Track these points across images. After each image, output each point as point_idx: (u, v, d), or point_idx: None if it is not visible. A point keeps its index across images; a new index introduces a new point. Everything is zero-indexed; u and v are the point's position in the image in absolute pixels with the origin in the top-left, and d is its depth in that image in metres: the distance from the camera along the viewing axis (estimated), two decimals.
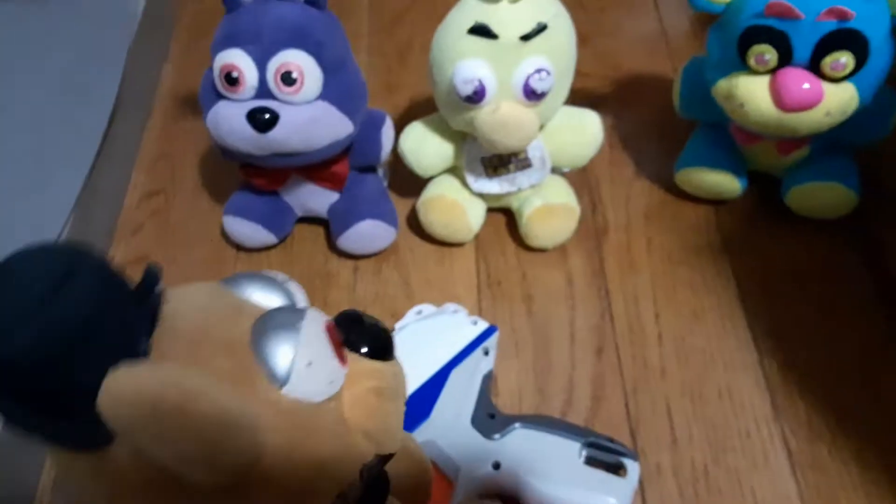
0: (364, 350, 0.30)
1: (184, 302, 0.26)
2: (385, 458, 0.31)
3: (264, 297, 0.28)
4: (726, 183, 0.63)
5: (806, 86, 0.52)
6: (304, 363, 0.25)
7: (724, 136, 0.63)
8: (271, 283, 0.29)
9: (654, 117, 0.74)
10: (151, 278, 0.25)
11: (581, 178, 0.68)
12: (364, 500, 0.30)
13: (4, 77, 0.74)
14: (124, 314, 0.24)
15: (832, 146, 0.60)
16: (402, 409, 0.31)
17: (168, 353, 0.24)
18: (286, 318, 0.27)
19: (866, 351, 0.56)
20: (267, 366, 0.25)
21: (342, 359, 0.28)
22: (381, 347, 0.30)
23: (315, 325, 0.27)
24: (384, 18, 0.87)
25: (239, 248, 0.67)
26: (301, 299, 0.30)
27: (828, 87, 0.52)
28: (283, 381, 0.25)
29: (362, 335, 0.30)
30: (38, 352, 0.22)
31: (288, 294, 0.29)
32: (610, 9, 0.85)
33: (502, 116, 0.54)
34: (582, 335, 0.59)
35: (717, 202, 0.66)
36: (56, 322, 0.22)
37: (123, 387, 0.22)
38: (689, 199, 0.67)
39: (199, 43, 0.86)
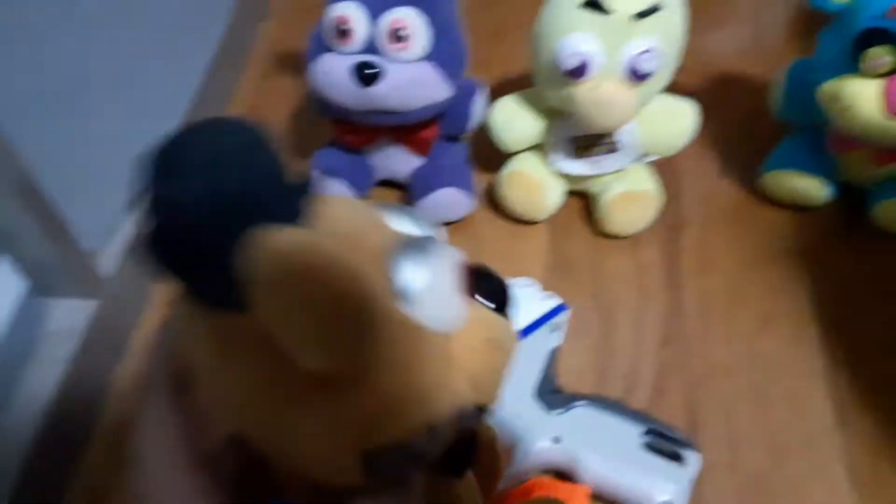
0: (486, 301, 0.30)
1: (332, 204, 0.27)
2: (480, 411, 0.31)
3: (409, 228, 0.29)
4: (814, 189, 0.62)
5: None
6: (432, 289, 0.26)
7: (817, 142, 0.62)
8: (419, 219, 0.30)
9: (743, 119, 0.73)
10: (313, 179, 0.26)
11: (664, 170, 0.67)
12: (454, 450, 0.30)
13: (106, 17, 0.76)
14: (292, 197, 0.25)
15: None
16: (508, 366, 0.31)
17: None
18: (426, 244, 0.27)
19: None
20: (397, 278, 0.26)
21: (466, 297, 0.28)
22: (503, 302, 0.31)
23: (451, 259, 0.27)
24: None
25: None
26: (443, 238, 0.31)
27: None
28: (409, 300, 0.26)
29: (487, 286, 0.30)
30: (220, 205, 0.22)
31: (432, 232, 0.30)
32: (709, 6, 0.84)
33: (602, 94, 0.54)
34: (648, 325, 0.59)
35: (799, 209, 0.65)
36: (245, 180, 0.23)
37: (276, 240, 0.22)
38: (769, 203, 0.66)
39: (299, 3, 0.87)
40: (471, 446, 0.34)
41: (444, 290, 0.27)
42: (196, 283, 0.24)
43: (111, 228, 0.59)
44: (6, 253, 0.50)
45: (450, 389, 0.28)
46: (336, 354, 0.23)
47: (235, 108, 0.78)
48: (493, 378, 0.30)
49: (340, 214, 0.27)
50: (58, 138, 0.56)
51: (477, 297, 0.30)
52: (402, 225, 0.29)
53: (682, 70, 0.59)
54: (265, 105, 0.78)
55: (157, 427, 0.28)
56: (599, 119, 0.56)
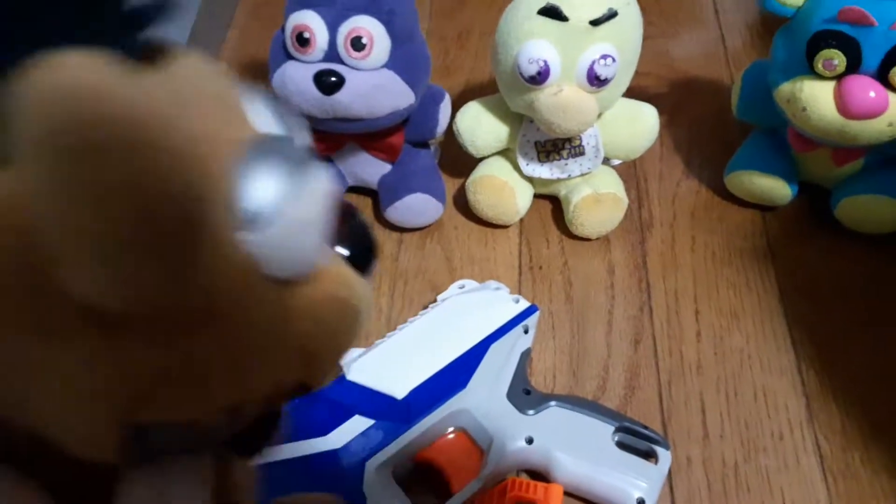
0: (345, 250, 0.23)
1: (188, 59, 0.19)
2: (300, 390, 0.24)
3: (271, 122, 0.21)
4: (777, 188, 0.63)
5: (872, 94, 0.52)
6: (288, 215, 0.19)
7: (779, 143, 0.63)
8: (285, 116, 0.22)
9: (707, 120, 0.74)
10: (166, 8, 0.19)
11: (629, 173, 0.68)
12: (251, 428, 0.24)
13: None
14: (125, 26, 0.18)
15: (887, 160, 0.60)
16: (354, 335, 0.24)
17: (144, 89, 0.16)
18: (296, 152, 0.20)
19: None
20: (240, 191, 0.18)
21: (328, 239, 0.21)
22: (366, 256, 0.24)
23: (322, 178, 0.20)
24: (446, 3, 0.88)
25: None
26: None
27: (893, 98, 0.52)
28: (246, 225, 0.18)
29: (349, 232, 0.24)
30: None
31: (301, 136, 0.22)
32: (670, 11, 0.85)
33: (564, 99, 0.55)
34: (620, 324, 0.60)
35: (764, 208, 0.66)
36: None
37: (71, 75, 0.14)
38: (736, 202, 0.67)
39: (262, 10, 0.87)
40: (272, 425, 0.26)
41: (305, 222, 0.19)
42: None
43: None
44: None
45: (272, 359, 0.21)
46: (129, 284, 0.15)
47: None
48: (332, 346, 0.23)
49: (190, 70, 0.19)
50: None
51: (335, 244, 0.23)
52: (264, 119, 0.21)
53: (645, 74, 0.61)
54: None
55: None
56: (563, 123, 0.57)
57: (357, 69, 0.54)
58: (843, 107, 0.52)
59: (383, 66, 0.55)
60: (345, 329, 0.23)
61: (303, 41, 0.54)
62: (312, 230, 0.20)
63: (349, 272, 0.23)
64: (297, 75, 0.55)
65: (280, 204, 0.18)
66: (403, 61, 0.55)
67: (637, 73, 0.59)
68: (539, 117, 0.57)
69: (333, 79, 0.54)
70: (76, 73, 0.14)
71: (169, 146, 0.15)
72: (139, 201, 0.14)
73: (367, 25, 0.53)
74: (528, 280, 0.63)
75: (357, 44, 0.53)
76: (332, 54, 0.54)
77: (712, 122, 0.73)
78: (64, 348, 0.17)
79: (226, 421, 0.21)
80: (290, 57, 0.55)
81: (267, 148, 0.19)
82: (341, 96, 0.54)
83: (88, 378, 0.17)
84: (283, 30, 0.56)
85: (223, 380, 0.19)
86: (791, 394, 0.55)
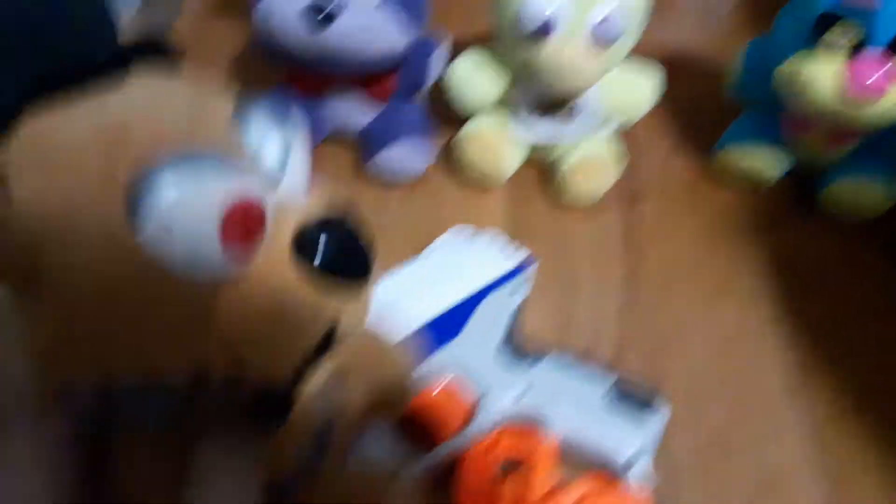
0: (311, 257, 0.24)
1: (155, 84, 0.23)
2: (261, 385, 0.25)
3: (258, 136, 0.24)
4: (766, 168, 0.63)
5: (875, 75, 0.52)
6: (169, 220, 0.21)
7: (771, 122, 0.63)
8: (280, 129, 0.25)
9: (696, 100, 0.73)
10: (158, 43, 0.23)
11: (620, 142, 0.67)
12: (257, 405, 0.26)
13: None
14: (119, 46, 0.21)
15: (879, 145, 0.60)
16: (306, 345, 0.25)
17: (71, 115, 0.20)
18: (197, 165, 0.22)
19: (883, 346, 0.56)
20: (133, 199, 0.21)
21: (235, 243, 0.22)
22: (339, 264, 0.25)
23: (217, 190, 0.22)
24: None
25: None
26: (296, 167, 0.25)
27: None
28: (139, 227, 0.21)
29: (322, 240, 0.25)
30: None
31: (285, 151, 0.25)
32: None
33: (566, 57, 0.53)
34: (608, 291, 0.58)
35: (751, 189, 0.66)
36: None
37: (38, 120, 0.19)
38: (723, 181, 0.66)
39: None
40: (278, 402, 0.28)
41: (189, 226, 0.21)
42: None
43: None
44: None
45: (188, 347, 0.23)
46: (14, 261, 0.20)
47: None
48: (265, 353, 0.24)
49: (146, 95, 0.22)
50: None
51: (298, 250, 0.24)
52: (254, 132, 0.24)
53: (634, 52, 0.60)
54: (205, 46, 0.73)
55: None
56: (562, 82, 0.55)
57: (350, 5, 0.51)
58: (848, 86, 0.52)
59: (378, 5, 0.52)
60: (274, 331, 0.24)
61: None
62: (203, 235, 0.22)
63: (291, 275, 0.24)
64: (284, 8, 0.51)
65: (165, 212, 0.21)
66: (400, 1, 0.53)
67: None
68: (538, 75, 0.55)
69: (325, 13, 0.50)
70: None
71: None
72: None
73: None
74: (515, 241, 0.61)
75: None
76: None
77: (701, 102, 0.73)
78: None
79: (135, 393, 0.23)
80: None
81: (184, 157, 0.21)
82: (331, 33, 0.51)
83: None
84: None
85: (112, 349, 0.22)
86: (782, 363, 0.54)
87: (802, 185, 0.65)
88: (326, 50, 0.52)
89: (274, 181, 0.24)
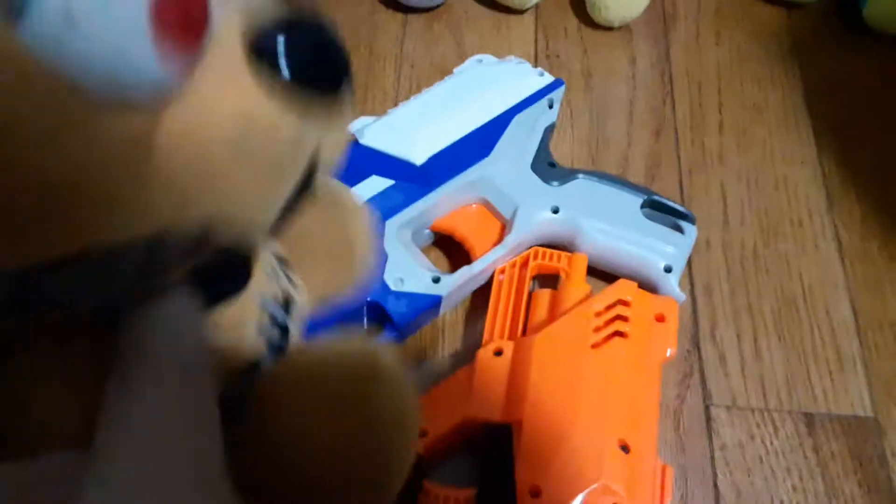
0: (280, 64, 0.18)
1: None
2: (231, 249, 0.19)
3: None
4: None
5: None
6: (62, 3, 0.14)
7: None
8: None
9: None
10: None
11: None
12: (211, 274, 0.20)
13: None
14: None
15: None
16: (283, 186, 0.19)
17: None
18: None
19: None
20: None
21: (171, 40, 0.15)
22: (316, 71, 0.18)
23: None
24: None
25: None
26: None
27: None
28: (15, 13, 0.14)
29: (293, 42, 0.18)
30: None
31: None
32: None
33: None
34: (640, 115, 0.57)
35: (790, 5, 0.63)
36: None
37: None
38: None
39: None
40: (232, 276, 0.23)
41: (95, 13, 0.14)
42: None
43: None
44: None
45: (122, 197, 0.16)
46: None
47: None
48: (234, 196, 0.18)
49: None
50: None
51: (259, 55, 0.17)
52: None
53: None
54: None
55: None
56: None
57: None
58: None
59: None
60: (241, 157, 0.18)
61: None
62: (133, 32, 0.15)
63: (254, 88, 0.17)
64: None
65: None
66: None
67: None
68: None
69: None
70: None
71: None
72: None
73: None
74: (545, 68, 0.58)
75: None
76: None
77: None
78: None
79: (76, 270, 0.16)
80: None
81: None
82: None
83: None
84: None
85: (43, 219, 0.15)
86: (812, 184, 0.54)
87: (844, 3, 0.62)
88: None
89: None
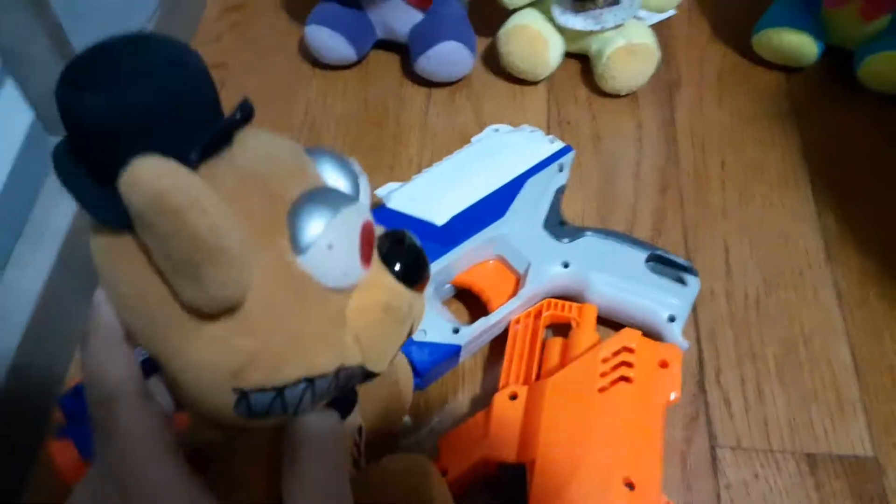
0: (395, 267, 0.29)
1: (257, 140, 0.26)
2: (367, 374, 0.30)
3: (332, 175, 0.29)
4: (804, 45, 0.63)
5: None
6: (326, 243, 0.26)
7: (806, 4, 0.64)
8: (346, 166, 0.29)
9: None
10: (244, 107, 0.25)
11: (658, 36, 0.68)
12: (331, 402, 0.31)
13: None
14: (205, 118, 0.24)
15: None
16: (404, 337, 0.31)
17: (214, 174, 0.24)
18: (334, 197, 0.27)
19: None
20: (293, 228, 0.25)
21: (366, 259, 0.28)
22: (413, 271, 0.30)
23: (355, 216, 0.26)
24: None
25: (315, 63, 0.68)
26: (364, 194, 0.30)
27: None
28: (300, 250, 0.25)
29: (400, 253, 0.30)
30: (141, 119, 0.22)
31: (355, 183, 0.29)
32: None
33: None
34: (647, 174, 0.61)
35: (789, 70, 0.67)
36: (172, 92, 0.23)
37: (144, 171, 0.21)
38: (762, 64, 0.67)
39: None
40: (346, 404, 0.35)
41: (338, 244, 0.26)
42: (91, 198, 0.24)
43: None
44: (11, 76, 0.49)
45: (333, 344, 0.27)
46: (200, 291, 0.23)
47: None
48: (383, 344, 0.30)
49: (259, 150, 0.26)
50: None
51: (387, 262, 0.29)
52: (329, 172, 0.29)
53: None
54: None
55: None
56: None
57: None
58: None
59: None
60: (391, 329, 0.29)
61: None
62: (348, 254, 0.26)
63: (396, 284, 0.29)
64: None
65: (320, 236, 0.25)
66: None
67: None
68: None
69: None
70: (159, 178, 0.21)
71: (205, 207, 0.22)
72: (184, 243, 0.22)
73: None
74: (557, 134, 0.63)
75: None
76: None
77: None
78: (196, 333, 0.25)
79: (304, 389, 0.27)
80: None
81: (313, 196, 0.26)
82: None
83: (210, 355, 0.25)
84: None
85: (293, 353, 0.26)
86: (811, 237, 0.57)
87: (839, 66, 0.66)
88: None
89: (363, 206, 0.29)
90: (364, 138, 0.64)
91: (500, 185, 0.53)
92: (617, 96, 0.65)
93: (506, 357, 0.48)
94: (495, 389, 0.46)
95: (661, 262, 0.52)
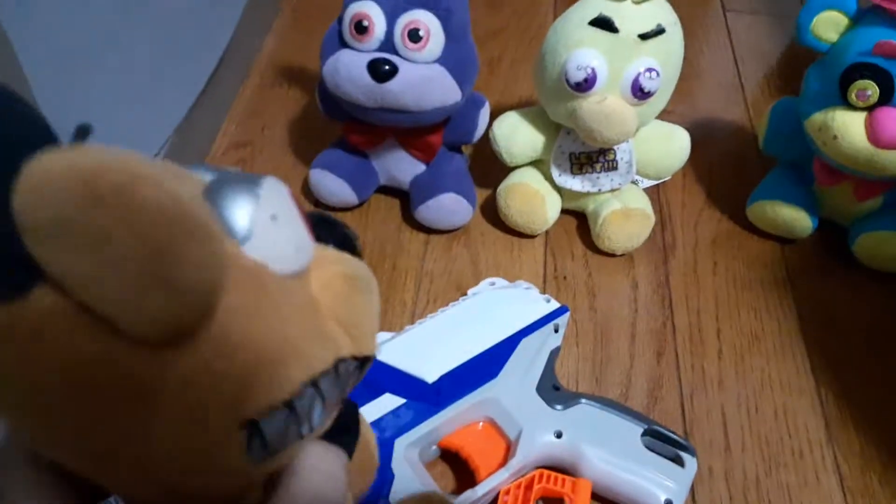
0: (330, 242, 0.28)
1: (126, 155, 0.20)
2: (361, 364, 0.28)
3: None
4: (799, 220, 0.65)
5: None
6: (267, 215, 0.22)
7: (801, 176, 0.66)
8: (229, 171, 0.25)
9: (728, 157, 0.77)
10: (82, 131, 0.21)
11: (653, 199, 0.70)
12: (337, 420, 0.28)
13: (125, 16, 0.77)
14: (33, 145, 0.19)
15: None
16: (376, 305, 0.28)
17: None
18: (241, 175, 0.23)
19: None
20: (224, 218, 0.21)
21: (311, 228, 0.25)
22: (348, 242, 0.29)
23: (277, 186, 0.23)
24: (478, 33, 0.91)
25: (317, 203, 0.69)
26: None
27: None
28: (243, 236, 0.21)
29: (331, 232, 0.28)
30: None
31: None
32: (692, 56, 0.89)
33: (607, 107, 0.56)
34: (642, 337, 0.60)
35: (783, 241, 0.68)
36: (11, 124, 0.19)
37: (52, 164, 0.17)
38: (756, 233, 0.68)
39: (299, 23, 0.90)
40: (352, 415, 0.33)
41: (279, 213, 0.23)
42: None
43: None
44: None
45: (322, 336, 0.24)
46: (171, 292, 0.18)
47: (238, 109, 0.78)
48: (360, 316, 0.27)
49: (134, 159, 0.20)
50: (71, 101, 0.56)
51: (320, 240, 0.27)
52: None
53: (669, 112, 0.63)
54: (267, 110, 0.78)
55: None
56: (604, 131, 0.58)
57: (410, 60, 0.56)
58: (874, 136, 0.54)
59: (436, 61, 0.56)
60: (359, 295, 0.28)
61: (361, 29, 0.55)
62: (289, 230, 0.24)
63: (340, 252, 0.28)
64: (350, 62, 0.56)
65: (254, 218, 0.22)
66: (455, 59, 0.57)
67: (663, 110, 0.61)
68: (581, 125, 0.58)
69: (387, 67, 0.55)
70: (63, 156, 0.17)
71: (171, 195, 0.18)
72: (141, 226, 0.17)
73: (424, 19, 0.55)
74: (553, 289, 0.63)
75: (414, 35, 0.55)
76: (387, 44, 0.56)
77: (733, 159, 0.76)
78: (160, 395, 0.20)
79: (311, 396, 0.24)
80: (344, 45, 0.57)
81: (228, 181, 0.22)
82: (393, 85, 0.55)
83: (190, 407, 0.20)
84: (339, 21, 0.58)
85: (288, 356, 0.23)
86: (811, 414, 0.55)
87: (833, 239, 0.67)
88: (388, 101, 0.56)
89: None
90: None
91: (494, 343, 0.52)
92: (613, 255, 0.66)
93: None
94: None
95: (658, 438, 0.50)
